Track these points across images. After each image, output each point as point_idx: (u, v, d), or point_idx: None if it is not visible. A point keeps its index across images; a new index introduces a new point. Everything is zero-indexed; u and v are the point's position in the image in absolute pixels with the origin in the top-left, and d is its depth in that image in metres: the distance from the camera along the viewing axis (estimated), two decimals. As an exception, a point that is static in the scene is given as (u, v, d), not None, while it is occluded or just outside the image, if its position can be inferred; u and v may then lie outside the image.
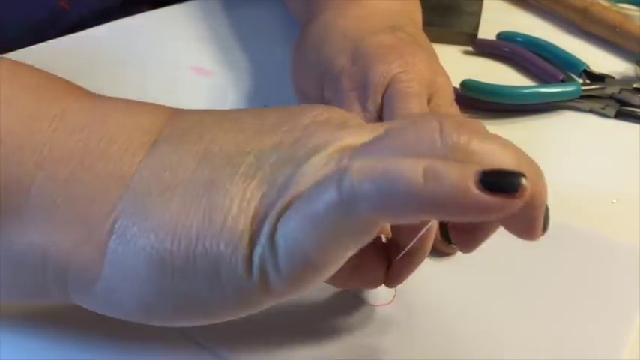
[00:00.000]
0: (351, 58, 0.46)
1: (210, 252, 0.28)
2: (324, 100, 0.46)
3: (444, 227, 0.42)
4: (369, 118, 0.43)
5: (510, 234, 0.44)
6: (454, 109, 0.46)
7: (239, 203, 0.28)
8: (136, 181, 0.29)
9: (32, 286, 0.30)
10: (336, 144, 0.29)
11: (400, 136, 0.27)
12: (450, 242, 0.42)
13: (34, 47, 0.55)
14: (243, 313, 0.30)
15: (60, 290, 0.30)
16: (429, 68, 0.45)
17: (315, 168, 0.28)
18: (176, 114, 0.32)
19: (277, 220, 0.27)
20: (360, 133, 0.29)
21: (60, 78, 0.34)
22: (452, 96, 0.47)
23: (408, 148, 0.27)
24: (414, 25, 0.50)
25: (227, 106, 0.54)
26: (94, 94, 0.33)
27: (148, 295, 0.29)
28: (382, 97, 0.44)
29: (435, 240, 0.42)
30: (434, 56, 0.48)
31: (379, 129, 0.30)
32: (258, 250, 0.27)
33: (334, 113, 0.31)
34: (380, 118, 0.43)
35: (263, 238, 0.27)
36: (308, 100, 0.49)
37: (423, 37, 0.49)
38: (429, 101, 0.44)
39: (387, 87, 0.44)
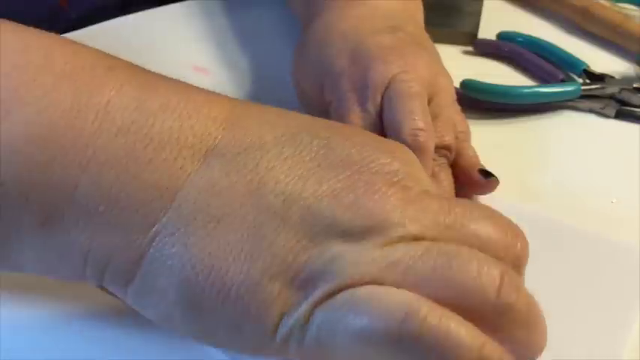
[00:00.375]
0: (351, 58, 0.45)
1: (239, 304, 0.28)
2: (324, 102, 0.46)
3: None
4: (368, 119, 0.43)
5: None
6: (455, 109, 0.46)
7: (280, 262, 0.28)
8: (181, 198, 0.28)
9: (72, 275, 0.31)
10: (395, 231, 0.28)
11: (461, 274, 0.27)
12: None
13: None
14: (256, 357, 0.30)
15: (97, 283, 0.30)
16: (429, 68, 0.45)
17: (369, 257, 0.27)
18: (234, 117, 0.30)
19: (318, 304, 0.27)
20: (424, 214, 0.29)
21: (98, 53, 0.32)
22: (453, 96, 0.46)
23: (460, 294, 0.27)
24: (416, 24, 0.50)
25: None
26: (139, 73, 0.32)
27: (171, 316, 0.29)
28: (382, 98, 0.43)
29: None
30: (435, 56, 0.48)
31: (447, 209, 0.29)
32: (288, 322, 0.27)
33: (406, 167, 0.30)
34: (380, 118, 0.43)
35: (297, 315, 0.27)
36: (308, 101, 0.49)
37: (424, 37, 0.49)
38: (429, 101, 0.44)
39: (387, 87, 0.43)
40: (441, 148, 0.43)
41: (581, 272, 0.41)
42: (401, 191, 0.29)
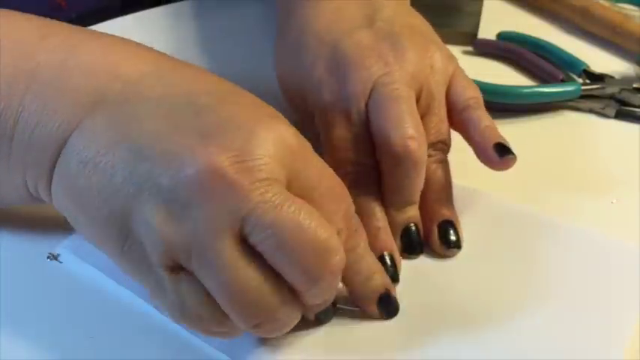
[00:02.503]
0: (328, 66, 0.43)
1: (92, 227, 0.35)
2: (309, 111, 0.45)
3: (442, 231, 0.42)
4: (354, 130, 0.42)
5: (510, 235, 0.44)
6: (459, 77, 0.45)
7: (116, 209, 0.33)
8: (73, 137, 0.34)
9: (17, 193, 0.38)
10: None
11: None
12: (449, 246, 0.42)
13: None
14: None
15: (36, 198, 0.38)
16: (414, 56, 0.43)
17: (175, 229, 0.32)
18: (136, 76, 0.35)
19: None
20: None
21: (34, 24, 0.38)
22: (448, 69, 0.44)
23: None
24: (395, 1, 0.47)
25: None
26: (70, 37, 0.38)
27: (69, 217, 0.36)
28: (366, 105, 0.42)
29: (434, 243, 0.42)
30: (418, 32, 0.45)
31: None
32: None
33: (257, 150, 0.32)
34: (368, 128, 0.42)
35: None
36: (295, 109, 0.47)
37: (404, 15, 0.47)
38: (420, 92, 0.43)
39: (371, 92, 0.42)
40: (436, 143, 0.43)
41: (581, 272, 0.41)
42: (235, 173, 0.31)
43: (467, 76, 0.45)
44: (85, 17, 0.61)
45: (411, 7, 0.49)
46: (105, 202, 0.33)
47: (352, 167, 0.42)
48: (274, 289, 0.32)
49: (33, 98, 0.35)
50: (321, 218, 0.32)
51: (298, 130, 0.35)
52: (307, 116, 0.45)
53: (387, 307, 0.38)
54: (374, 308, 0.38)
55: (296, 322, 0.34)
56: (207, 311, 0.32)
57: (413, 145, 0.40)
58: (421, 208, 0.43)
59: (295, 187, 0.33)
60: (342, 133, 0.42)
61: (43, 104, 0.35)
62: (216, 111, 0.33)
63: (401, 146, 0.40)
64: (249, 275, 0.31)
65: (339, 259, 0.32)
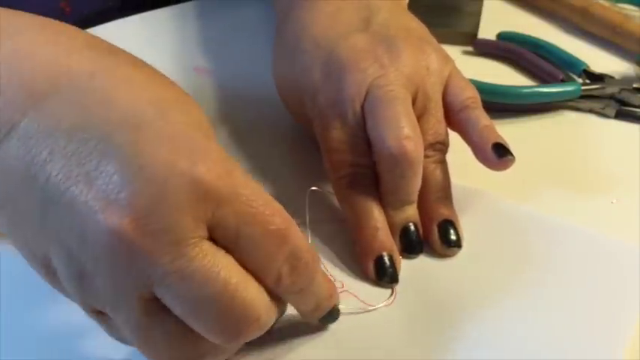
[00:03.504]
0: (324, 71, 0.44)
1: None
2: (307, 117, 0.45)
3: (443, 230, 0.42)
4: (350, 134, 0.42)
5: (510, 234, 0.44)
6: (456, 78, 0.44)
7: (28, 256, 0.32)
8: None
9: None
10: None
11: None
12: (449, 245, 0.42)
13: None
14: None
15: None
16: (410, 58, 0.43)
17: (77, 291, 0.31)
18: (51, 92, 0.31)
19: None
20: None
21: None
22: (443, 72, 0.44)
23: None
24: (391, 4, 0.47)
25: (226, 105, 0.54)
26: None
27: None
28: (362, 108, 0.42)
29: (435, 243, 0.42)
30: (414, 35, 0.45)
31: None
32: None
33: (155, 207, 0.30)
34: (363, 131, 0.42)
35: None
36: (294, 115, 0.48)
37: (400, 18, 0.47)
38: (416, 94, 0.43)
39: (366, 95, 0.42)
40: (434, 144, 0.43)
41: (581, 272, 0.41)
42: (142, 238, 0.29)
43: (464, 77, 0.45)
44: (86, 20, 0.61)
45: (407, 9, 0.50)
46: (27, 243, 0.32)
47: (350, 169, 0.42)
48: (193, 342, 0.31)
49: None
50: (240, 280, 0.30)
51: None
52: (305, 120, 0.45)
53: (326, 321, 0.37)
54: (315, 322, 0.37)
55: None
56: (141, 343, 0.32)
57: (409, 145, 0.40)
58: (421, 208, 0.43)
59: (220, 236, 0.30)
60: (338, 135, 0.42)
61: None
62: (128, 155, 0.29)
63: (397, 147, 0.40)
64: (161, 332, 0.30)
65: (256, 325, 0.31)
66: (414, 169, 0.40)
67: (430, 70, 0.44)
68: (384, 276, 0.40)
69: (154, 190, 0.29)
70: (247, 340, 0.32)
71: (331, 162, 0.43)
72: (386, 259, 0.40)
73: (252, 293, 0.31)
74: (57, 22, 0.35)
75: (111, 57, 0.33)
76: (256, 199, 0.31)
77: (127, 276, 0.29)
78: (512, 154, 0.42)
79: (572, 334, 0.38)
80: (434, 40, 0.46)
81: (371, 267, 0.40)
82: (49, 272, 0.32)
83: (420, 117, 0.43)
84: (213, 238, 0.30)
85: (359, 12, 0.46)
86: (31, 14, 0.35)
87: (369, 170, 0.42)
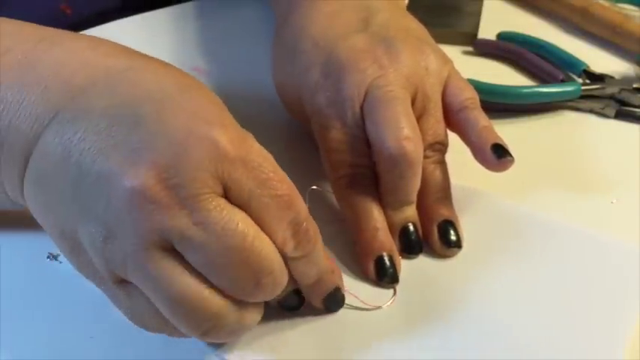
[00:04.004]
0: (324, 71, 0.44)
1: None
2: (306, 116, 0.45)
3: (442, 231, 0.42)
4: (349, 134, 0.42)
5: (510, 234, 0.44)
6: (454, 79, 0.44)
7: (61, 231, 0.34)
8: (33, 155, 0.34)
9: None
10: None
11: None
12: (449, 246, 0.42)
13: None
14: None
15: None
16: (409, 58, 0.43)
17: (116, 254, 0.32)
18: (87, 83, 0.34)
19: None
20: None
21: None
22: (442, 72, 0.44)
23: None
24: (390, 4, 0.48)
25: (227, 105, 0.54)
26: (17, 45, 0.36)
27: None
28: (362, 108, 0.42)
29: (435, 244, 0.42)
30: (413, 36, 0.45)
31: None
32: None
33: (183, 168, 0.32)
34: (363, 131, 0.42)
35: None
36: (293, 114, 0.48)
37: (400, 19, 0.47)
38: (415, 95, 0.43)
39: (366, 95, 0.42)
40: (434, 144, 0.43)
41: (581, 272, 0.41)
42: (163, 191, 0.31)
43: (462, 78, 0.45)
44: (86, 21, 0.61)
45: (406, 10, 0.50)
46: (57, 220, 0.34)
47: (349, 169, 0.42)
48: (215, 295, 0.32)
49: None
50: (256, 234, 0.32)
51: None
52: (305, 121, 0.45)
53: (331, 304, 0.38)
54: (319, 305, 0.38)
55: (253, 324, 0.34)
56: (158, 320, 0.33)
57: (409, 146, 0.40)
58: (420, 209, 0.43)
59: (233, 196, 0.32)
60: (337, 135, 0.42)
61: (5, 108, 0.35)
62: (152, 122, 0.33)
63: (396, 147, 0.40)
64: (185, 283, 0.32)
65: (271, 279, 0.33)
66: (413, 170, 0.40)
67: (429, 71, 0.44)
68: (385, 276, 0.40)
69: (174, 150, 0.32)
70: (261, 297, 0.33)
71: (330, 162, 0.43)
72: (386, 259, 0.40)
73: (267, 247, 0.33)
74: (95, 36, 0.38)
75: (144, 58, 0.37)
76: (267, 165, 0.33)
77: (149, 229, 0.31)
78: (511, 155, 0.43)
79: (572, 334, 0.38)
80: (432, 41, 0.46)
81: (371, 267, 0.40)
82: (75, 248, 0.33)
83: (420, 117, 0.43)
84: (227, 197, 0.32)
85: (358, 13, 0.46)
86: (72, 32, 0.39)
87: (369, 170, 0.42)
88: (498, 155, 0.42)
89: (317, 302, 0.38)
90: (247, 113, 0.53)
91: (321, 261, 0.36)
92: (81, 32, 0.58)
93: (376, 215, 0.41)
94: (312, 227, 0.35)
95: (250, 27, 0.62)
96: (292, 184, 0.34)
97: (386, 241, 0.41)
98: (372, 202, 0.42)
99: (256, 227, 0.32)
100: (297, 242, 0.34)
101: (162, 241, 0.31)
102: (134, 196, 0.31)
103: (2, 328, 0.37)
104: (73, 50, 0.36)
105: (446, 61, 0.45)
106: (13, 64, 0.36)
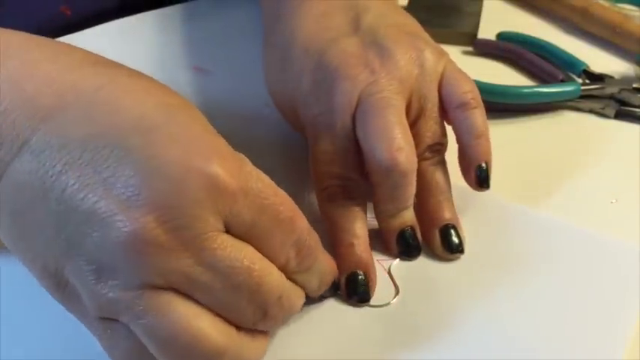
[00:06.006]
0: (315, 78, 0.43)
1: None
2: (299, 123, 0.44)
3: (444, 235, 0.42)
4: (339, 144, 0.41)
5: (510, 235, 0.44)
6: (454, 73, 0.43)
7: (41, 268, 0.32)
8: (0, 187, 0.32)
9: None
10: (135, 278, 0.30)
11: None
12: (451, 251, 0.42)
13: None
14: None
15: None
16: (400, 63, 0.42)
17: (102, 295, 0.31)
18: (59, 107, 0.32)
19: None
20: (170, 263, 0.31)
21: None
22: (438, 68, 0.43)
23: None
24: (379, 2, 0.46)
25: (227, 105, 0.54)
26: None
27: None
28: (353, 116, 0.41)
29: (437, 249, 0.42)
30: (404, 37, 0.44)
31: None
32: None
33: (181, 207, 0.30)
34: (354, 141, 0.41)
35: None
36: (288, 121, 0.47)
37: (388, 14, 0.46)
38: (409, 100, 0.42)
39: (358, 103, 0.41)
40: (433, 145, 0.42)
41: (581, 272, 0.41)
42: (164, 234, 0.30)
43: (459, 69, 0.44)
44: (85, 21, 0.61)
45: (396, 3, 0.48)
46: (37, 255, 0.32)
47: (331, 181, 0.41)
48: (216, 328, 0.31)
49: None
50: (261, 267, 0.32)
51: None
52: (300, 127, 0.45)
53: (328, 293, 0.39)
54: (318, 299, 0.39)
55: (260, 355, 0.34)
56: (139, 357, 0.32)
57: (401, 157, 0.39)
58: (422, 212, 0.43)
59: (236, 228, 0.32)
60: (325, 146, 0.41)
61: None
62: (143, 157, 0.30)
63: (389, 159, 0.39)
64: (184, 318, 0.30)
65: (278, 307, 0.33)
66: (407, 180, 0.40)
67: (424, 68, 0.43)
68: (354, 294, 0.39)
69: (173, 188, 0.30)
70: (270, 327, 0.34)
71: (315, 173, 0.42)
72: (359, 277, 0.39)
73: (273, 277, 0.33)
74: (52, 40, 0.35)
75: (111, 70, 0.34)
76: (267, 190, 0.32)
77: (150, 272, 0.30)
78: (488, 185, 0.43)
79: (572, 334, 0.38)
80: (426, 35, 0.45)
81: (343, 283, 0.39)
82: (59, 285, 0.32)
83: (417, 119, 0.42)
84: (229, 231, 0.32)
85: (347, 13, 0.45)
86: (25, 33, 0.35)
87: (354, 183, 0.41)
88: (479, 182, 0.43)
89: (316, 297, 0.38)
90: (247, 112, 0.53)
91: (322, 266, 0.36)
92: (81, 31, 0.59)
93: (355, 230, 0.40)
94: (313, 239, 0.35)
95: (250, 26, 0.62)
96: (292, 202, 0.33)
97: (362, 258, 0.40)
98: (352, 215, 0.41)
99: (261, 258, 0.32)
100: (300, 260, 0.34)
101: (164, 282, 0.30)
102: (134, 241, 0.29)
103: (2, 329, 0.37)
104: (31, 63, 0.33)
105: (441, 54, 0.44)
106: None
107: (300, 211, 0.34)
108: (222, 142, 0.33)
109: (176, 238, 0.30)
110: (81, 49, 0.35)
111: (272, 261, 0.33)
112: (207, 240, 0.30)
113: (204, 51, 0.60)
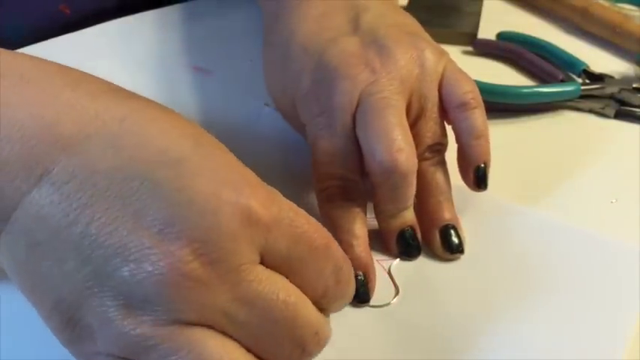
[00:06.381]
0: (314, 78, 0.42)
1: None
2: (300, 122, 0.44)
3: (444, 235, 0.42)
4: (338, 145, 0.41)
5: (510, 235, 0.44)
6: (454, 74, 0.43)
7: (64, 304, 0.30)
8: (15, 218, 0.30)
9: None
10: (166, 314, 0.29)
11: None
12: (451, 251, 0.42)
13: (31, 46, 0.55)
14: None
15: None
16: (401, 63, 0.42)
17: (126, 332, 0.29)
18: (80, 136, 0.30)
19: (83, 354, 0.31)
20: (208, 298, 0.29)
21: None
22: (438, 67, 0.43)
23: None
24: (379, 2, 0.46)
25: (227, 105, 0.54)
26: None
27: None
28: (353, 116, 0.41)
29: (437, 249, 0.42)
30: (404, 37, 0.43)
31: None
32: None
33: (214, 240, 0.29)
34: (353, 141, 0.41)
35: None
36: (289, 121, 0.47)
37: (388, 14, 0.45)
38: (410, 100, 0.42)
39: (358, 103, 0.41)
40: (433, 145, 0.42)
41: (581, 272, 0.41)
42: (201, 268, 0.29)
43: (460, 69, 0.44)
44: (84, 20, 0.61)
45: (396, 3, 0.48)
46: (52, 290, 0.30)
47: (333, 182, 0.41)
48: None
49: None
50: (297, 299, 0.31)
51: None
52: (300, 127, 0.45)
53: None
54: None
55: None
56: None
57: (401, 158, 0.39)
58: (422, 212, 0.43)
59: (270, 259, 0.31)
60: (325, 146, 0.41)
61: None
62: (174, 190, 0.29)
63: (389, 160, 0.39)
64: (218, 355, 0.29)
65: (316, 341, 0.32)
66: (407, 180, 0.40)
67: (425, 68, 0.42)
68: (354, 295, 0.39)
69: (207, 221, 0.29)
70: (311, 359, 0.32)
71: (314, 174, 0.42)
72: (358, 277, 0.39)
73: (309, 310, 0.32)
74: (70, 68, 0.34)
75: (132, 100, 0.33)
76: (299, 219, 0.31)
77: (186, 308, 0.29)
78: (485, 186, 0.43)
79: (572, 334, 0.38)
80: (426, 35, 0.45)
81: None
82: (70, 323, 0.30)
83: (418, 119, 0.42)
84: (263, 263, 0.31)
85: (347, 13, 0.45)
86: (41, 59, 0.34)
87: (354, 183, 0.41)
88: (477, 182, 0.43)
89: None
90: (247, 112, 0.53)
91: (353, 293, 0.35)
92: (81, 30, 0.59)
93: (355, 230, 0.40)
94: (349, 267, 0.34)
95: (250, 26, 0.62)
96: (326, 230, 0.33)
97: (361, 258, 0.40)
98: (352, 216, 0.41)
99: (296, 291, 0.31)
100: (339, 288, 0.33)
101: (199, 318, 0.29)
102: (170, 274, 0.28)
103: (2, 329, 0.37)
104: (50, 88, 0.32)
105: (441, 53, 0.44)
106: None
107: (334, 239, 0.33)
108: (250, 173, 0.32)
109: (212, 271, 0.29)
110: (100, 78, 0.34)
111: (310, 292, 0.32)
112: (243, 272, 0.29)
113: (204, 51, 0.60)
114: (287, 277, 0.31)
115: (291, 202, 0.32)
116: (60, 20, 0.60)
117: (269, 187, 0.32)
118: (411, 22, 0.46)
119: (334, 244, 0.33)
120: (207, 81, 0.56)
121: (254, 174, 0.32)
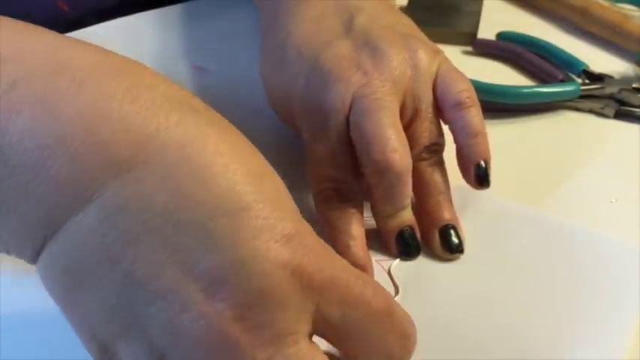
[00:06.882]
0: (308, 81, 0.43)
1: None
2: (296, 125, 0.44)
3: (444, 235, 0.42)
4: (332, 148, 0.41)
5: (510, 234, 0.44)
6: (448, 73, 0.43)
7: (96, 342, 0.28)
8: (58, 240, 0.28)
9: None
10: None
11: None
12: (451, 251, 0.42)
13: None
14: None
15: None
16: (394, 64, 0.42)
17: None
18: (136, 160, 0.27)
19: None
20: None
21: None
22: (431, 66, 0.43)
23: None
24: (373, 3, 0.46)
25: (227, 104, 0.54)
26: (45, 87, 0.28)
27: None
28: (347, 118, 0.41)
29: (437, 249, 0.42)
30: (397, 38, 0.43)
31: None
32: None
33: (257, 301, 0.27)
34: (347, 144, 0.41)
35: None
36: (287, 124, 0.47)
37: (381, 14, 0.45)
38: (403, 101, 0.42)
39: (352, 105, 0.41)
40: (430, 146, 0.42)
41: (581, 272, 0.41)
42: (241, 333, 0.27)
43: (454, 68, 0.44)
44: (83, 18, 0.61)
45: (391, 3, 0.48)
46: (90, 324, 0.28)
47: (327, 183, 0.41)
48: None
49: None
50: None
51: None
52: (297, 129, 0.45)
53: None
54: None
55: None
56: None
57: (395, 158, 0.39)
58: (421, 213, 0.43)
59: (324, 325, 0.29)
60: (319, 148, 0.41)
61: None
62: (228, 245, 0.27)
63: (383, 161, 0.39)
64: None
65: None
66: (402, 180, 0.40)
67: (418, 69, 0.42)
68: None
69: (256, 285, 0.27)
70: None
71: (310, 176, 0.42)
72: None
73: None
74: (126, 60, 0.31)
75: (194, 117, 0.29)
76: (355, 279, 0.29)
77: None
78: (488, 183, 0.43)
79: (572, 334, 0.38)
80: (421, 34, 0.45)
81: None
82: (106, 354, 0.28)
83: (413, 120, 0.42)
84: (315, 329, 0.29)
85: (340, 15, 0.45)
86: (94, 49, 0.31)
87: (349, 185, 0.41)
88: (479, 180, 0.43)
89: None
90: (247, 111, 0.53)
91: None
92: (81, 29, 0.59)
93: (352, 231, 0.40)
94: (414, 331, 0.31)
95: (250, 26, 0.62)
96: (387, 292, 0.30)
97: (358, 259, 0.39)
98: (349, 217, 0.41)
99: None
100: (404, 356, 0.31)
101: None
102: (209, 335, 0.27)
103: (2, 329, 0.37)
104: (106, 100, 0.28)
105: (435, 53, 0.44)
106: (22, 106, 0.27)
107: (395, 300, 0.31)
108: (305, 226, 0.30)
109: (254, 337, 0.27)
110: (163, 78, 0.31)
111: (374, 356, 0.30)
112: (284, 344, 0.28)
113: (204, 50, 0.60)
114: (343, 345, 0.30)
115: (344, 260, 0.30)
116: (59, 18, 0.60)
117: (322, 243, 0.30)
118: (406, 22, 0.46)
119: (397, 308, 0.30)
120: (206, 80, 0.56)
121: (308, 225, 0.30)
